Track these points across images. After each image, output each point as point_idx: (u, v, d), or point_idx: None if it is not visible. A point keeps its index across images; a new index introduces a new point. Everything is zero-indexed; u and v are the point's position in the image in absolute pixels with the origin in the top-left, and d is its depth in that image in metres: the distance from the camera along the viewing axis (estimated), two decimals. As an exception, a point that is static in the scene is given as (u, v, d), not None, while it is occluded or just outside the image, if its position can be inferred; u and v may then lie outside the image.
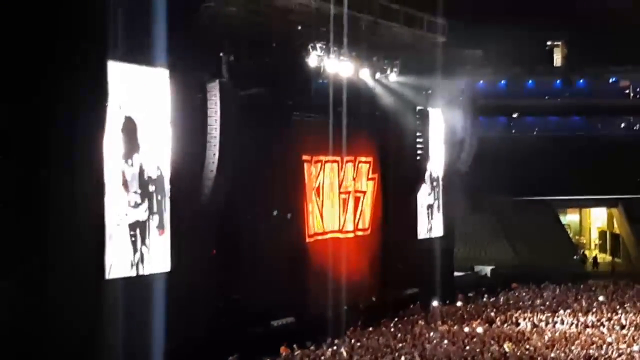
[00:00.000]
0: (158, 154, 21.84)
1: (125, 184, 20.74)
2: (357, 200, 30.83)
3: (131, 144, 20.97)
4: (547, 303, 31.82)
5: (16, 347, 18.19)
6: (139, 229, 21.18)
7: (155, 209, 21.71)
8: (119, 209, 20.58)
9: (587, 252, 51.87)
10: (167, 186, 22.05)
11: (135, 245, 21.06)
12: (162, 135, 21.95)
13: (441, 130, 35.70)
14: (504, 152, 47.44)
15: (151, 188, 21.61)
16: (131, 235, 20.94)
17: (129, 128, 20.83)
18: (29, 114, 18.60)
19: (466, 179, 38.19)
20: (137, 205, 21.14)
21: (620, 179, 48.50)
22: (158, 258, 21.76)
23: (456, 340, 24.28)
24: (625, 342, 24.27)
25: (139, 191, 21.20)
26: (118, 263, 20.46)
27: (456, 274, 38.49)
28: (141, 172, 21.30)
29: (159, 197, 21.87)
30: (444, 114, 35.75)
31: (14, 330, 18.20)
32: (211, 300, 23.17)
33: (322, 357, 22.15)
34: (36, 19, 18.67)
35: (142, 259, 21.28)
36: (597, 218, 55.95)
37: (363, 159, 31.02)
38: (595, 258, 49.59)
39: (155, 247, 21.68)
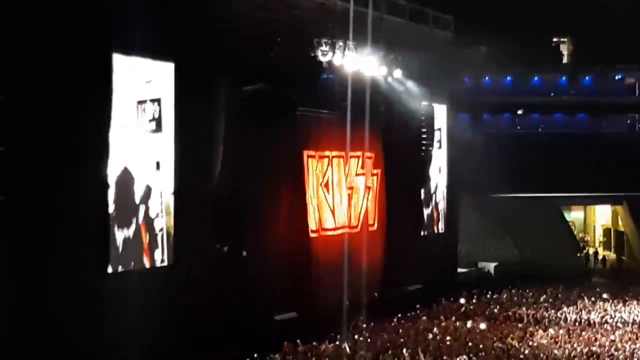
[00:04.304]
0: (161, 153, 21.81)
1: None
2: (361, 195, 30.79)
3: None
4: (551, 300, 31.82)
5: (19, 342, 18.22)
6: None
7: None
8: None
9: (589, 250, 51.94)
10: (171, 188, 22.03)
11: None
12: (166, 129, 21.94)
13: (446, 126, 35.67)
14: (509, 149, 47.38)
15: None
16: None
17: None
18: (31, 108, 18.64)
19: (470, 175, 38.15)
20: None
21: (625, 177, 48.41)
22: (161, 253, 21.78)
23: (459, 336, 24.26)
24: (628, 339, 24.25)
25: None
26: (121, 257, 20.48)
27: (460, 270, 38.48)
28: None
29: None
30: (448, 110, 35.70)
31: (17, 324, 18.24)
32: (214, 295, 23.13)
33: (325, 353, 22.13)
34: (39, 12, 18.70)
35: (145, 255, 21.31)
36: (602, 215, 55.91)
37: (367, 154, 30.99)
38: (595, 253, 49.76)
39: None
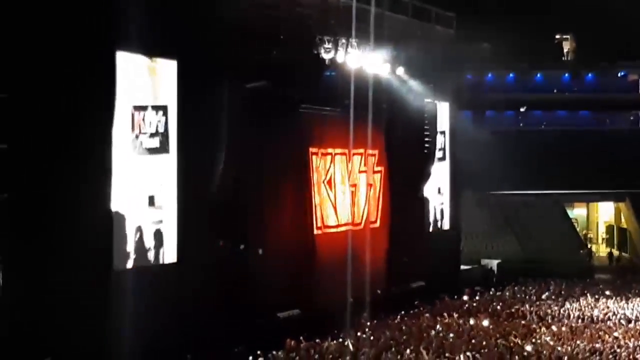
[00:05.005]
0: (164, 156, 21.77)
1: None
2: (364, 192, 30.78)
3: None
4: (554, 297, 31.81)
5: (19, 342, 18.22)
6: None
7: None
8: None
9: (593, 247, 51.91)
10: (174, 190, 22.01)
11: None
12: (170, 129, 21.91)
13: (448, 123, 35.63)
14: (512, 146, 47.35)
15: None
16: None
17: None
18: (34, 105, 18.64)
19: (473, 172, 38.13)
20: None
21: (628, 174, 48.37)
22: (165, 250, 21.77)
23: (462, 333, 24.24)
24: (631, 336, 24.23)
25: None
26: (125, 254, 20.48)
27: (462, 267, 38.46)
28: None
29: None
30: (451, 107, 35.67)
31: (17, 324, 18.23)
32: (216, 293, 23.14)
33: (328, 350, 22.13)
34: (41, 10, 18.70)
35: (149, 251, 21.32)
36: (605, 212, 55.87)
37: (370, 151, 30.97)
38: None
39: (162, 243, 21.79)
